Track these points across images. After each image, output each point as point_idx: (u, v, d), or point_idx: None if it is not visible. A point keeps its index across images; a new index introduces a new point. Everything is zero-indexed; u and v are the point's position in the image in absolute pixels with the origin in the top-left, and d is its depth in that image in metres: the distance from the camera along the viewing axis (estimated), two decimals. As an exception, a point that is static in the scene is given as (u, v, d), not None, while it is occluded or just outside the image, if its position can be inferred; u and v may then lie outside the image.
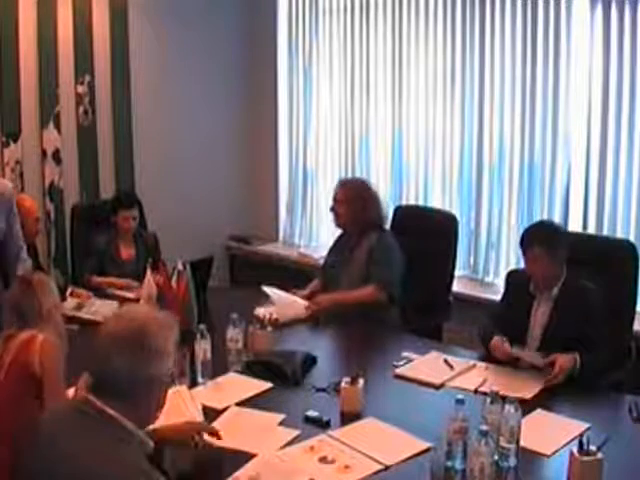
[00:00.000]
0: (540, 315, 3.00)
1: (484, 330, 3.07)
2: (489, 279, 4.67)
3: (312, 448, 2.31)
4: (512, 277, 3.26)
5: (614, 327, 3.07)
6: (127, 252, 4.14)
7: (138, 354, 1.72)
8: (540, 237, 2.96)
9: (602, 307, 2.93)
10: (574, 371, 2.74)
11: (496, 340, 2.91)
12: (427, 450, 2.26)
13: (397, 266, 3.67)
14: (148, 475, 1.70)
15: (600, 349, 2.82)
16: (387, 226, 3.87)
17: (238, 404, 2.61)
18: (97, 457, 1.65)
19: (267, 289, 3.62)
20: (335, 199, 3.77)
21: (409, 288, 3.71)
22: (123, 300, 3.67)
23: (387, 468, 2.21)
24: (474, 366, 2.93)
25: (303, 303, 3.60)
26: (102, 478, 1.64)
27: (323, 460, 2.24)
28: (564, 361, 2.74)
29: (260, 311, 3.39)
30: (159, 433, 2.02)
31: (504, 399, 2.24)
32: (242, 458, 2.22)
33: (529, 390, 2.67)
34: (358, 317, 3.45)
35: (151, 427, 1.89)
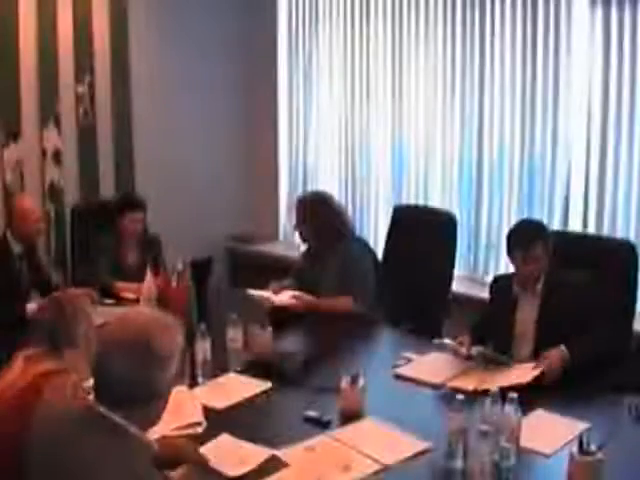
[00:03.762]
0: (527, 313, 3.02)
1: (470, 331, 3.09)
2: (489, 279, 4.65)
3: (312, 448, 2.31)
4: (497, 283, 3.27)
5: (614, 327, 3.07)
6: (132, 257, 4.08)
7: (142, 359, 1.67)
8: (537, 236, 2.97)
9: (588, 290, 2.95)
10: (567, 363, 2.76)
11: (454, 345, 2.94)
12: (427, 450, 2.27)
13: (368, 274, 3.63)
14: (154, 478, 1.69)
15: (593, 330, 2.84)
16: (354, 232, 3.85)
17: (235, 406, 2.61)
18: (102, 464, 1.63)
19: (253, 292, 3.59)
20: (297, 218, 3.72)
21: (409, 288, 3.71)
22: (123, 300, 3.67)
23: (387, 468, 2.21)
24: (474, 366, 2.92)
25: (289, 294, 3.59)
26: None
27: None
28: (554, 358, 2.75)
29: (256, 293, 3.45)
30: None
31: (504, 399, 2.24)
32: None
33: (525, 377, 2.68)
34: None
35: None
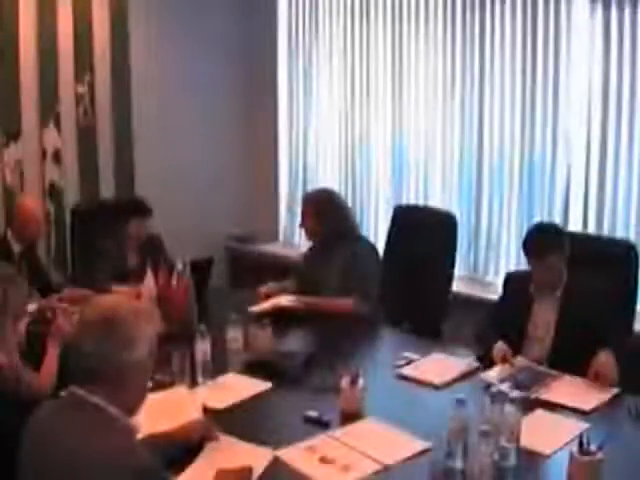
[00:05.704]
0: (543, 316, 3.00)
1: (480, 330, 3.07)
2: (489, 279, 4.67)
3: (312, 448, 2.31)
4: (510, 279, 3.25)
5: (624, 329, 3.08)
6: (133, 259, 4.06)
7: (107, 339, 1.72)
8: (553, 245, 2.95)
9: (603, 294, 2.94)
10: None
11: (499, 350, 2.87)
12: (427, 450, 2.26)
13: (372, 275, 3.61)
14: (138, 455, 1.70)
15: (617, 334, 2.86)
16: (360, 231, 3.84)
17: (235, 406, 2.60)
18: (86, 445, 1.66)
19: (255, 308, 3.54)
20: (302, 215, 3.70)
21: (409, 288, 3.70)
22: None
23: (387, 468, 2.21)
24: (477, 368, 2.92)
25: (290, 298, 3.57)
26: (93, 466, 1.64)
27: (323, 460, 2.24)
28: (607, 370, 2.70)
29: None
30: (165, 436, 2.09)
31: (504, 399, 2.24)
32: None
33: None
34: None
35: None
